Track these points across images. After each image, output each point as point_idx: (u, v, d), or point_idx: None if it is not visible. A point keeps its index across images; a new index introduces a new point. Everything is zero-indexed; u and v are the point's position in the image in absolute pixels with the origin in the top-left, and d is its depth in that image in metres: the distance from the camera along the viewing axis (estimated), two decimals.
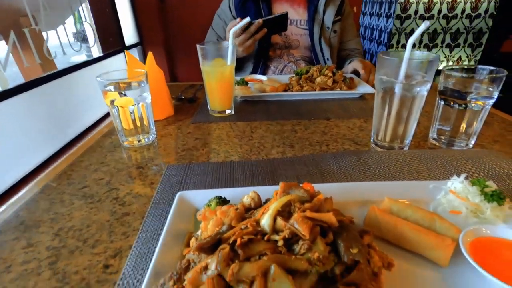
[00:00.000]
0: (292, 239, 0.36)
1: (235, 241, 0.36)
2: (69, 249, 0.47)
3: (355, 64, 1.36)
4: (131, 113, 0.78)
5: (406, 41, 3.33)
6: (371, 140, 0.78)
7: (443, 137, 0.75)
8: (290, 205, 0.40)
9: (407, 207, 0.45)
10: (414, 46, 0.69)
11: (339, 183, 0.57)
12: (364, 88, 1.15)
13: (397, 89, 0.66)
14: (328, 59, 1.52)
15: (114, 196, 0.60)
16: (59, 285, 0.41)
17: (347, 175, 0.64)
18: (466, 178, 0.50)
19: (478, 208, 0.46)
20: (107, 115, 1.05)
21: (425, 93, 0.67)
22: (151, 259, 0.44)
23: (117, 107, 0.77)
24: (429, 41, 3.03)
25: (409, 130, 0.71)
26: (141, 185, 0.64)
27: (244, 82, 1.20)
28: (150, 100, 0.83)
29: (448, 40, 2.99)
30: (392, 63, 0.66)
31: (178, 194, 0.53)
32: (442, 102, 0.74)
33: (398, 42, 2.93)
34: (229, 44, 0.93)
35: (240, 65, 1.58)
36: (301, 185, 0.47)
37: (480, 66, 0.69)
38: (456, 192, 0.49)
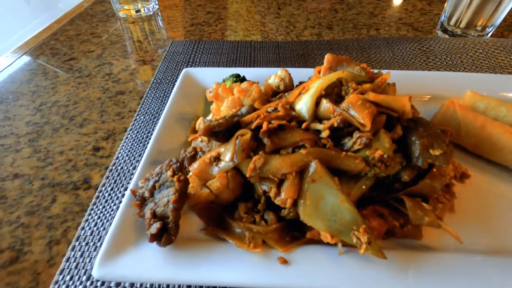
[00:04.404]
0: (343, 130, 0.25)
1: (259, 127, 0.26)
2: (52, 126, 0.39)
3: None
4: None
5: None
6: (438, 26, 0.59)
7: None
8: (341, 86, 0.28)
9: (501, 104, 0.32)
10: None
11: (398, 71, 0.42)
12: None
13: None
14: None
15: (106, 72, 0.49)
16: (41, 165, 0.33)
17: (404, 66, 0.48)
18: None
19: None
20: None
21: None
22: None
23: None
24: None
25: (500, 10, 0.51)
26: (139, 62, 0.51)
27: None
28: None
29: None
30: None
31: (184, 70, 0.41)
32: None
33: None
34: None
35: None
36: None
37: None
38: None
